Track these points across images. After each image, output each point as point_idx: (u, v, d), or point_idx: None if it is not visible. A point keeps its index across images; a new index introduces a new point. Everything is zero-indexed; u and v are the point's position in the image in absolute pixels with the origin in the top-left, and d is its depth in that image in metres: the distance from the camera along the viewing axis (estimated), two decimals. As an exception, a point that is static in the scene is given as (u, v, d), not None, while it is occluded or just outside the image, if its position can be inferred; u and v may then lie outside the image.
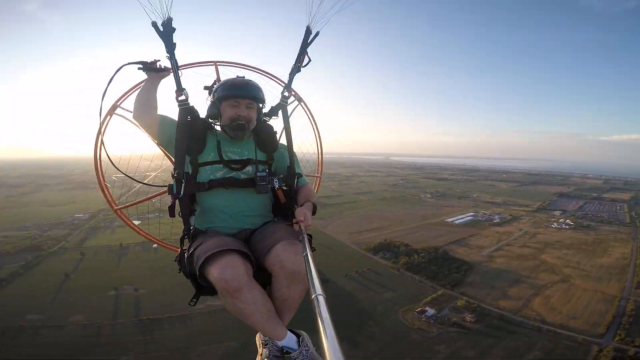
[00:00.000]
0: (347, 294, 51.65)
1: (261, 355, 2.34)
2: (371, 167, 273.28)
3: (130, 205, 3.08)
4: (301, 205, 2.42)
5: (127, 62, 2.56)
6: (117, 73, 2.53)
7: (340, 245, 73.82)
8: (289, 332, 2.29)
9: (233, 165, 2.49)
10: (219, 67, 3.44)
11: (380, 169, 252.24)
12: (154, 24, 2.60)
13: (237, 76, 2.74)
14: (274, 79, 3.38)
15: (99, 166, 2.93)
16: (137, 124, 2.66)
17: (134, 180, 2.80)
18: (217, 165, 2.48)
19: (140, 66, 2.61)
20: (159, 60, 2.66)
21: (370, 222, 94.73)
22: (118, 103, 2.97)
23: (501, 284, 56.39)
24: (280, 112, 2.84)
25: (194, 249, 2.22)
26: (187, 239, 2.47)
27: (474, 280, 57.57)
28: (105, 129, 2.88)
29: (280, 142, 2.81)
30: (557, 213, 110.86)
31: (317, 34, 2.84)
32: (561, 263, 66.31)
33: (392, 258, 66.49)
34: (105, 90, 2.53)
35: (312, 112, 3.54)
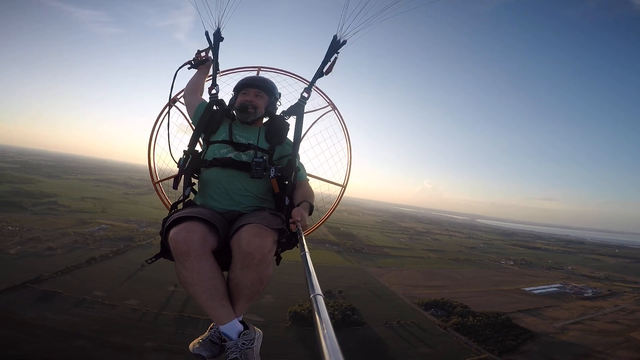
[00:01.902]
0: (379, 340, 49.89)
1: (201, 337, 2.34)
2: (451, 226, 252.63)
3: (166, 179, 3.33)
4: (298, 205, 2.43)
5: (179, 67, 3.02)
6: (175, 78, 2.93)
7: (390, 295, 71.26)
8: (237, 321, 2.19)
9: (238, 147, 2.69)
10: (261, 71, 3.66)
11: (462, 230, 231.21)
12: (207, 34, 3.15)
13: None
14: (319, 92, 3.52)
15: (152, 145, 3.27)
16: (184, 102, 3.20)
17: (173, 159, 2.91)
18: (224, 144, 2.71)
19: (189, 65, 3.18)
20: (201, 52, 3.24)
21: (431, 279, 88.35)
22: (178, 97, 3.40)
23: (562, 356, 47.02)
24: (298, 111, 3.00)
25: (173, 213, 2.34)
26: (180, 205, 2.64)
27: (530, 350, 48.97)
28: (165, 116, 3.18)
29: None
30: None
31: (344, 43, 3.04)
32: (654, 342, 52.41)
33: (442, 316, 61.23)
34: (170, 93, 3.01)
35: (344, 119, 3.55)
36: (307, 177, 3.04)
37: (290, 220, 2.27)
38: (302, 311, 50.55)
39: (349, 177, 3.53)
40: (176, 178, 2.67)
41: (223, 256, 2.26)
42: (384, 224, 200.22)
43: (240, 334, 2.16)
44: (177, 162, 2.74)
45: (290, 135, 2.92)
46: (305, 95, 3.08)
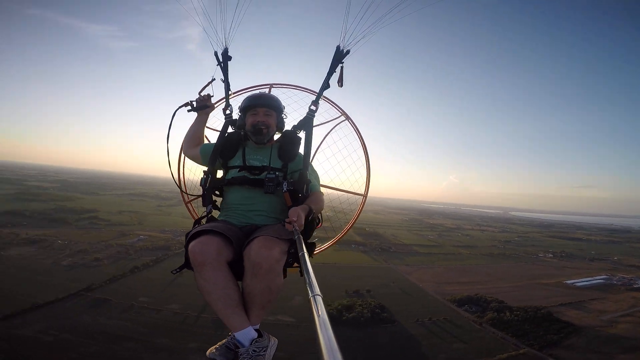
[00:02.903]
0: (410, 337, 49.45)
1: (219, 343, 2.43)
2: (483, 220, 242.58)
3: (195, 198, 3.48)
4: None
5: (178, 107, 2.96)
6: (174, 119, 2.92)
7: (420, 292, 70.18)
8: (251, 328, 2.26)
9: (252, 170, 2.79)
10: (273, 88, 3.72)
11: (495, 223, 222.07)
12: (215, 54, 3.23)
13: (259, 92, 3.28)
14: (331, 103, 3.54)
15: (180, 169, 3.47)
16: (186, 155, 3.25)
17: (184, 191, 3.38)
18: (240, 170, 2.82)
19: (189, 107, 3.09)
20: (205, 97, 3.18)
21: (463, 275, 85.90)
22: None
23: (611, 349, 44.21)
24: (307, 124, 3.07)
25: (195, 228, 2.48)
26: (202, 221, 2.79)
27: (575, 343, 46.35)
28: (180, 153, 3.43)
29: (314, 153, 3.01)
30: None
31: (347, 52, 3.11)
32: None
33: (477, 312, 59.37)
34: (168, 134, 2.94)
35: (359, 129, 3.54)
36: (325, 188, 3.10)
37: (286, 220, 2.32)
38: (331, 311, 50.81)
39: (369, 185, 3.51)
40: (203, 196, 2.88)
41: (240, 267, 2.37)
42: (411, 221, 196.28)
43: (252, 341, 2.24)
44: (200, 181, 2.90)
45: (302, 149, 2.98)
46: (313, 108, 3.15)
